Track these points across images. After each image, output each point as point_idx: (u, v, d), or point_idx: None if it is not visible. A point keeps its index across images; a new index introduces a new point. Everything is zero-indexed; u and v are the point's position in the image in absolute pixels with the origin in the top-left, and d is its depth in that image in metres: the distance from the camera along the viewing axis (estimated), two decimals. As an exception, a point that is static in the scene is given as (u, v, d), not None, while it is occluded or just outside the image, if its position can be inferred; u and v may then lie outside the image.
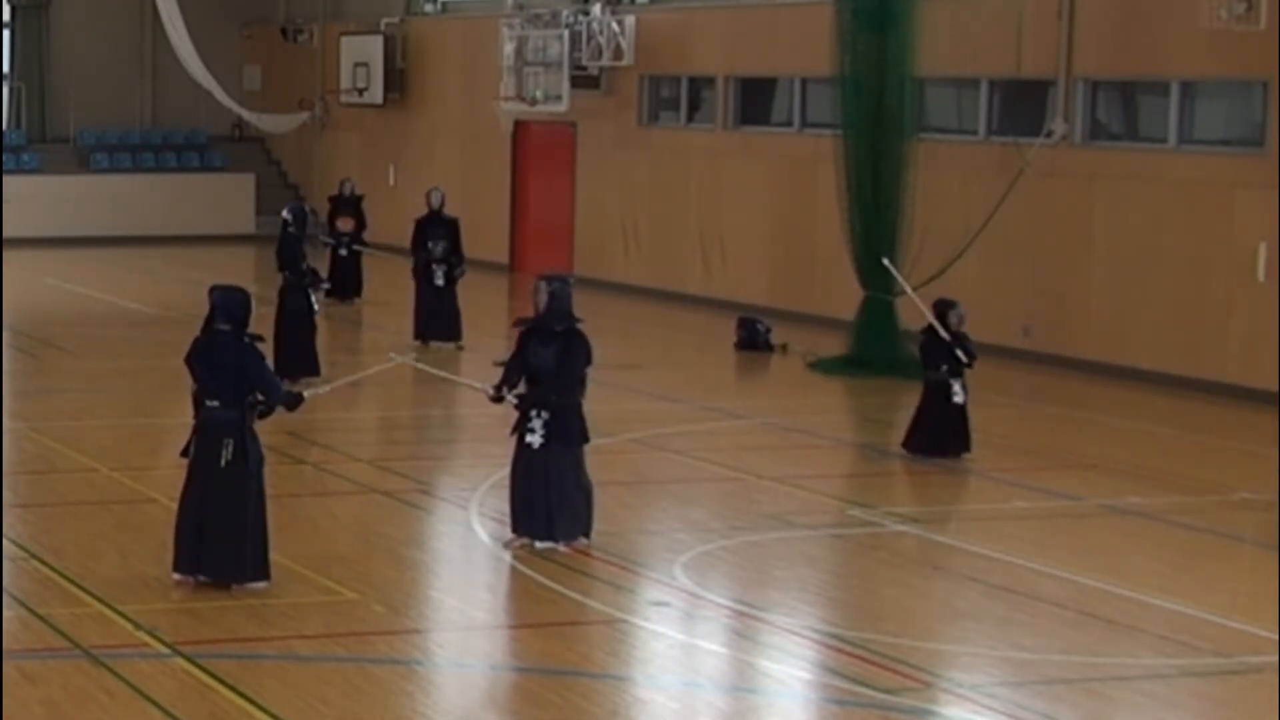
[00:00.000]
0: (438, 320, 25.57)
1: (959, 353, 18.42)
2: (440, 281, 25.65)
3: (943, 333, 18.44)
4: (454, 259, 25.72)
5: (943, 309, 18.74)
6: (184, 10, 38.85)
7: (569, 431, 14.57)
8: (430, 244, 25.74)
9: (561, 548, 14.59)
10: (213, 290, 13.54)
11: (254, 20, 43.79)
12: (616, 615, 13.05)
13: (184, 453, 13.54)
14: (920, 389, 18.86)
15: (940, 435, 18.47)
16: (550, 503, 14.57)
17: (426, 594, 13.91)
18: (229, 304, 13.41)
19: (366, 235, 31.12)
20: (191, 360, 13.45)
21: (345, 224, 30.90)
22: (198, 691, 11.25)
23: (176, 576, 13.41)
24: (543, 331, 14.52)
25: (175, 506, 13.60)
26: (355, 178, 33.22)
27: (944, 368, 18.46)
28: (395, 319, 27.14)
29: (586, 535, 14.82)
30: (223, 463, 13.19)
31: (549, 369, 14.44)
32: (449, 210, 26.47)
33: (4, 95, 41.41)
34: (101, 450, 18.43)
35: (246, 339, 13.37)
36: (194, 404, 13.48)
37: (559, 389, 14.50)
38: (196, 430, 13.41)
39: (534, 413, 14.49)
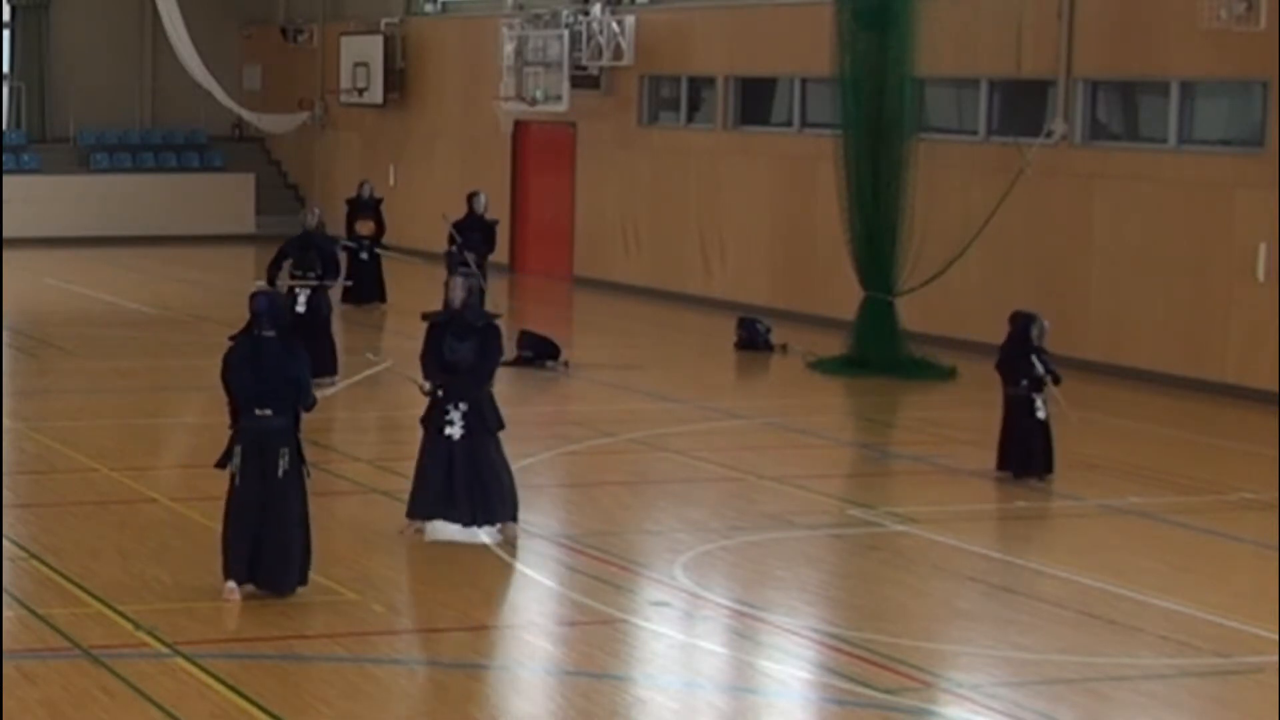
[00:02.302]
0: None
1: (1040, 369, 17.75)
2: None
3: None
4: (481, 264, 25.34)
5: (1024, 322, 18.03)
6: (184, 10, 38.87)
7: (488, 421, 14.82)
8: (460, 248, 25.30)
9: (489, 533, 14.78)
10: (255, 296, 13.26)
11: (254, 20, 43.79)
12: (616, 615, 13.05)
13: (220, 464, 13.19)
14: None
15: (1027, 452, 17.72)
16: (484, 489, 14.78)
17: (426, 594, 13.91)
18: (275, 309, 13.22)
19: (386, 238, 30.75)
20: (233, 371, 13.13)
21: (365, 227, 30.12)
22: (198, 691, 11.26)
23: (231, 585, 13.08)
24: (459, 326, 14.77)
25: (201, 513, 13.45)
26: (355, 178, 33.13)
27: (1024, 383, 17.78)
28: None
29: (514, 519, 14.97)
30: (280, 472, 13.00)
31: (467, 363, 14.69)
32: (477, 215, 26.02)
33: (4, 95, 41.41)
34: (101, 450, 18.43)
35: (293, 344, 13.28)
36: (233, 414, 13.16)
37: (478, 382, 14.78)
38: (240, 440, 13.06)
39: (451, 405, 14.73)
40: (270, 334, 13.10)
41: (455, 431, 14.70)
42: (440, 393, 14.76)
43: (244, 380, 13.06)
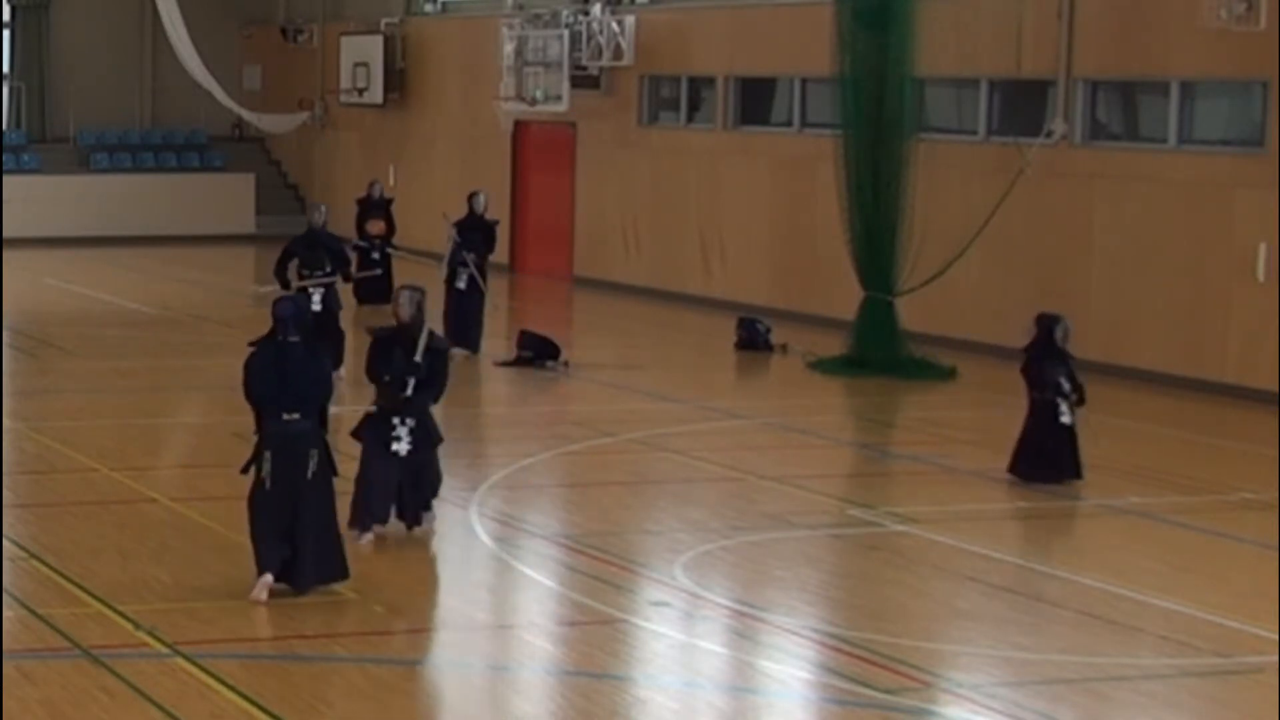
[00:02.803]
0: (456, 325, 25.07)
1: (1068, 387, 17.41)
2: (462, 285, 25.21)
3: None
4: (481, 264, 25.23)
5: (1048, 324, 17.71)
6: (184, 10, 38.86)
7: (432, 436, 14.98)
8: (461, 248, 25.22)
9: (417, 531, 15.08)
10: (280, 302, 13.28)
11: (254, 20, 43.79)
12: (616, 615, 13.06)
13: (246, 469, 13.26)
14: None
15: (1048, 459, 17.47)
16: (422, 501, 15.06)
17: (426, 594, 13.92)
18: (300, 315, 13.21)
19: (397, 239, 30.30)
20: (257, 377, 13.10)
21: (375, 227, 29.74)
22: (198, 691, 11.26)
23: (268, 578, 13.07)
24: (408, 340, 14.74)
25: (237, 514, 13.07)
26: (355, 178, 33.06)
27: (1053, 385, 17.45)
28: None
29: (429, 508, 15.29)
30: (310, 474, 13.05)
31: (416, 378, 14.73)
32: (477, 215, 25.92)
33: (4, 95, 41.41)
34: (101, 450, 18.42)
35: (316, 348, 13.38)
36: (258, 420, 13.16)
37: (432, 397, 14.92)
38: (268, 444, 13.09)
39: (399, 421, 14.82)
40: (295, 339, 13.08)
41: (402, 448, 14.80)
42: (377, 406, 14.80)
43: (270, 386, 13.06)
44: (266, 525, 13.12)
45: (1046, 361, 17.62)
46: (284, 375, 13.05)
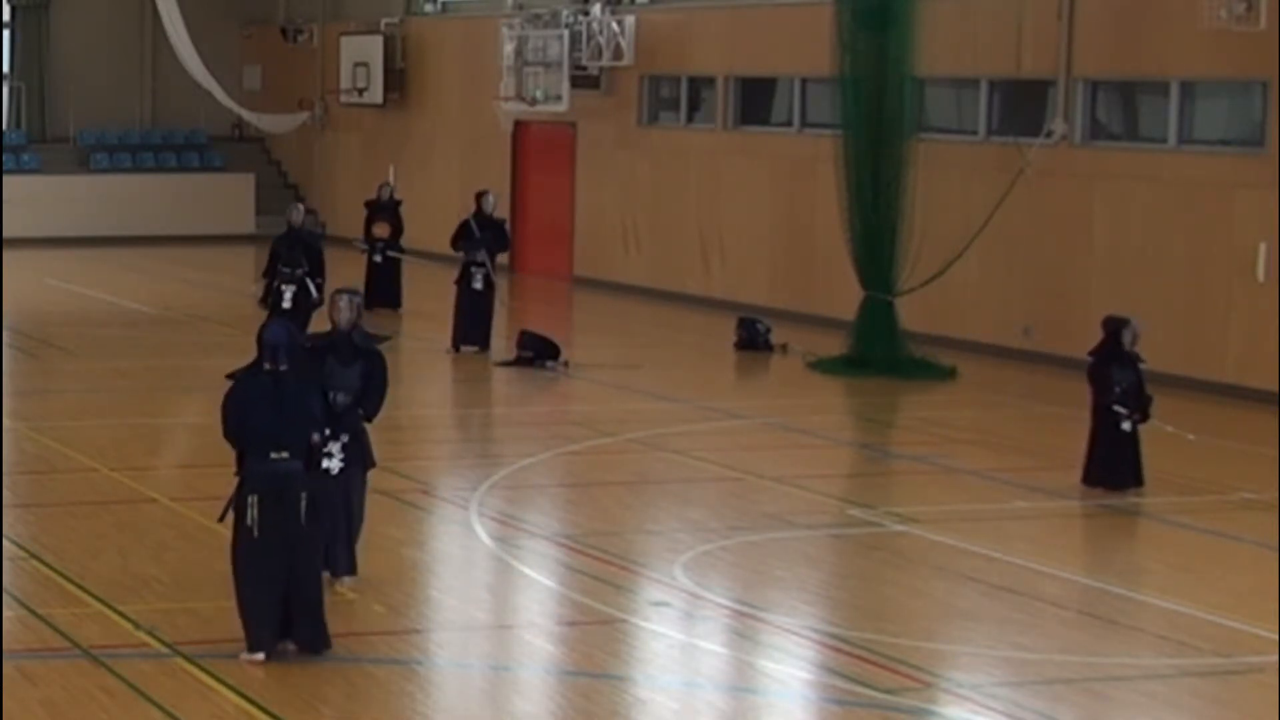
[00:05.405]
0: (471, 323, 25.00)
1: (1121, 401, 17.11)
2: (479, 285, 25.18)
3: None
4: (493, 263, 25.26)
5: (1115, 327, 17.41)
6: (184, 10, 38.86)
7: (365, 455, 13.50)
8: (470, 247, 25.23)
9: (347, 582, 13.43)
10: (268, 328, 12.03)
11: (254, 20, 43.78)
12: (616, 615, 13.06)
13: (223, 517, 12.08)
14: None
15: (1112, 466, 17.24)
16: (350, 532, 13.45)
17: (426, 594, 13.92)
18: (292, 340, 12.00)
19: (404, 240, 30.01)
20: (250, 411, 11.84)
21: (381, 229, 29.55)
22: (198, 691, 11.26)
23: (259, 656, 11.80)
24: (343, 349, 13.34)
25: (233, 572, 12.01)
26: (355, 178, 33.04)
27: (1117, 390, 17.19)
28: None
29: (352, 572, 13.57)
30: (302, 519, 11.82)
31: (353, 389, 13.29)
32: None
33: (4, 95, 41.41)
34: (101, 450, 18.42)
35: (307, 377, 12.18)
36: (239, 459, 11.91)
37: (369, 412, 13.38)
38: (254, 487, 11.79)
39: (331, 436, 12.95)
40: (285, 369, 11.89)
41: (334, 465, 13.15)
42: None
43: (263, 420, 11.82)
44: (262, 587, 11.83)
45: (1113, 366, 17.31)
46: (278, 408, 11.83)
